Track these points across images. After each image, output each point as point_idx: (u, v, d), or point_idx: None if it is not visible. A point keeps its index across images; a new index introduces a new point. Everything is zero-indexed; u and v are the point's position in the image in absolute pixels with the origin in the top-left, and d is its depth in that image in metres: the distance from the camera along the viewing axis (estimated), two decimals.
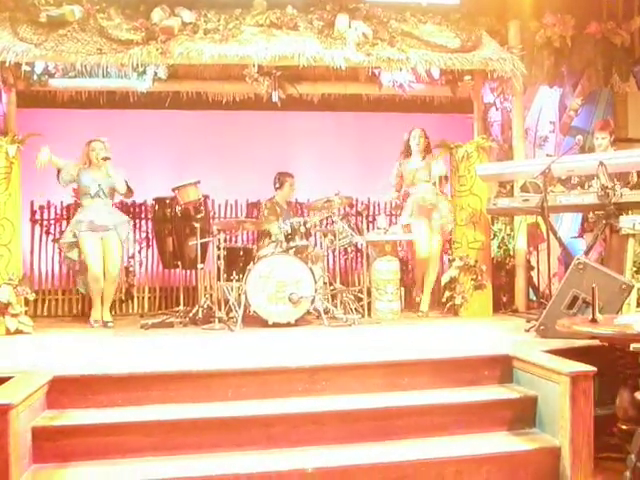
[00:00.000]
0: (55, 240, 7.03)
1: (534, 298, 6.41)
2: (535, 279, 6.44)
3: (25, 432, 3.06)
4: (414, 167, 6.08)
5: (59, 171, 5.62)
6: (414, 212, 6.04)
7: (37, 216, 7.08)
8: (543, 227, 5.90)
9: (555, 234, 5.23)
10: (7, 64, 5.24)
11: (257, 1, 5.84)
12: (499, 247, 6.41)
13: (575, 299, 4.23)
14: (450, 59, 5.80)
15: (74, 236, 5.59)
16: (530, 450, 3.33)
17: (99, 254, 5.57)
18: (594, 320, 3.29)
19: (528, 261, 6.36)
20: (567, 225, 6.57)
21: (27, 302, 5.54)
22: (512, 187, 6.21)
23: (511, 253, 6.38)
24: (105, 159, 5.48)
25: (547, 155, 6.64)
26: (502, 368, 3.84)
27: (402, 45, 5.76)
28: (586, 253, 4.88)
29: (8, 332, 5.15)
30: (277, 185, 6.54)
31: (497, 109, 6.64)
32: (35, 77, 5.78)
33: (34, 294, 5.81)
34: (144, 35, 5.49)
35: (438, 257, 6.17)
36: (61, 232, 7.09)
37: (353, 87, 6.52)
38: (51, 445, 3.17)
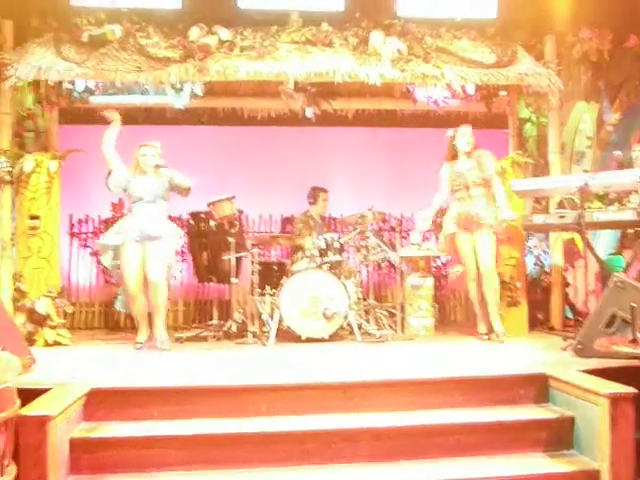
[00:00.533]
0: (92, 251, 7.18)
1: (570, 316, 6.30)
2: (571, 296, 6.33)
3: (63, 443, 3.11)
4: (464, 169, 5.42)
5: (109, 173, 5.28)
6: (461, 222, 5.39)
7: (75, 229, 7.24)
8: (580, 243, 5.82)
9: (592, 251, 5.14)
10: (50, 82, 5.39)
11: (292, 18, 5.91)
12: (535, 264, 6.33)
13: (614, 318, 4.15)
14: (485, 75, 5.77)
15: (117, 239, 5.14)
16: (568, 472, 3.26)
17: (139, 271, 5.10)
18: (634, 340, 3.23)
19: (564, 278, 6.26)
20: (604, 241, 6.46)
21: (65, 314, 5.65)
22: (548, 203, 6.14)
23: (547, 270, 6.29)
24: (157, 167, 5.20)
25: (584, 171, 6.55)
26: (538, 387, 3.78)
27: (437, 61, 5.75)
28: (625, 270, 4.79)
29: (46, 344, 5.26)
30: (311, 200, 6.59)
31: (533, 124, 6.58)
32: (76, 94, 5.94)
33: (72, 306, 5.92)
34: (182, 53, 5.59)
35: (493, 272, 5.39)
36: None
37: (387, 103, 6.54)
38: (88, 457, 3.21)
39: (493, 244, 5.36)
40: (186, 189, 5.32)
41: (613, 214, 4.96)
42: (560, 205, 5.38)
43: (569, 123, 6.67)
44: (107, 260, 5.26)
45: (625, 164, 5.84)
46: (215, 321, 6.08)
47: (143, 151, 5.27)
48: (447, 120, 6.72)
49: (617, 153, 5.07)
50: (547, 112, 6.29)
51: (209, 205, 5.82)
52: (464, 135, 5.44)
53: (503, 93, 6.24)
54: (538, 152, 6.48)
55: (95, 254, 7.20)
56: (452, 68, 5.76)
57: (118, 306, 5.51)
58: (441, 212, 5.85)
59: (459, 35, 6.06)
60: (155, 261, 5.08)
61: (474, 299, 5.54)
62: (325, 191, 6.62)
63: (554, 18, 6.29)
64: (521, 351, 4.83)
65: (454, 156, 5.53)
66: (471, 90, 6.03)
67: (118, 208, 7.11)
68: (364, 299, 6.01)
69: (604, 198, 5.53)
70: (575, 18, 6.30)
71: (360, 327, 5.54)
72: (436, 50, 5.85)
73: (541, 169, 6.36)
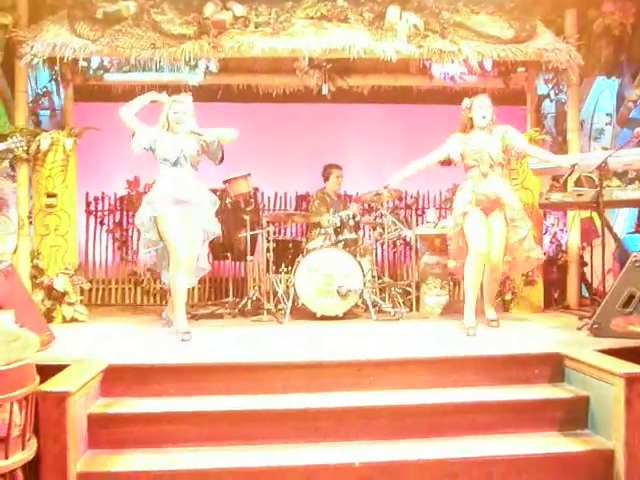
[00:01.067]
0: (108, 229, 7.23)
1: (587, 295, 6.27)
2: (588, 275, 6.29)
3: (81, 419, 3.16)
4: (483, 144, 4.84)
5: (133, 134, 4.80)
6: (478, 202, 4.84)
7: (92, 207, 7.29)
8: (598, 222, 5.76)
9: (610, 230, 5.09)
10: (65, 60, 5.38)
11: None
12: (551, 242, 6.28)
13: (631, 298, 4.12)
14: (503, 50, 5.67)
15: (151, 209, 4.61)
16: (582, 452, 3.27)
17: (183, 233, 4.55)
18: None
19: (581, 257, 6.21)
20: (623, 220, 6.39)
21: (82, 291, 5.71)
22: (566, 181, 6.06)
23: (563, 248, 6.24)
24: (192, 133, 4.69)
25: (603, 148, 6.45)
26: (553, 367, 3.77)
27: (454, 36, 5.66)
28: None
29: (64, 320, 5.34)
30: (324, 177, 6.57)
31: (551, 101, 6.49)
32: (91, 72, 5.96)
33: (89, 283, 5.99)
34: (196, 29, 5.55)
35: (500, 261, 4.86)
36: (115, 223, 7.30)
37: (403, 79, 6.47)
38: (105, 432, 3.27)
39: (505, 231, 4.85)
40: (230, 139, 4.87)
41: (633, 192, 4.90)
42: (578, 183, 5.33)
43: (588, 99, 6.57)
44: (154, 234, 4.65)
45: None
46: (230, 298, 6.12)
47: (175, 108, 4.76)
48: (464, 96, 6.61)
49: (638, 130, 4.96)
50: (566, 88, 6.19)
51: (224, 183, 5.83)
52: (481, 107, 4.89)
53: (521, 69, 6.14)
54: (556, 129, 6.41)
55: (111, 232, 7.28)
56: (469, 44, 5.67)
57: (166, 279, 4.83)
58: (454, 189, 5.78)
59: (477, 10, 5.93)
60: (195, 232, 4.65)
61: (476, 283, 4.83)
62: (338, 167, 6.59)
63: None
64: (536, 330, 4.81)
65: (469, 128, 4.97)
66: (488, 66, 5.96)
67: (134, 185, 7.15)
68: (379, 277, 6.02)
69: (623, 176, 5.44)
70: None
71: (375, 305, 5.55)
72: (453, 25, 5.75)
73: (559, 146, 6.28)
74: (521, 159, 5.41)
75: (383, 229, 5.87)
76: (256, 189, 6.57)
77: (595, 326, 4.26)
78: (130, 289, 7.22)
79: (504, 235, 4.86)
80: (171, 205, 4.57)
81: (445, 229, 6.03)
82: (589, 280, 6.27)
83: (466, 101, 5.01)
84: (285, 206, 7.51)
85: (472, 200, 4.85)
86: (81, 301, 5.58)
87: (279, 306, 5.64)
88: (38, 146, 5.46)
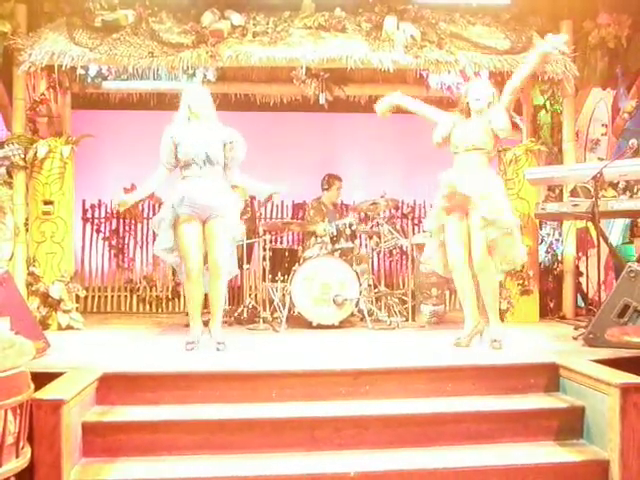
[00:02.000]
0: (104, 236, 7.21)
1: (582, 305, 6.28)
2: (584, 285, 6.31)
3: (76, 427, 3.14)
4: (467, 127, 4.37)
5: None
6: (454, 197, 4.30)
7: (88, 215, 7.29)
8: (593, 232, 5.78)
9: (606, 240, 5.11)
10: (63, 68, 5.40)
11: (305, 4, 5.87)
12: (547, 252, 6.30)
13: (626, 308, 4.13)
14: (499, 61, 5.72)
15: (173, 214, 4.19)
16: (577, 462, 3.26)
17: (199, 246, 4.21)
18: None
19: (577, 267, 6.23)
20: (618, 230, 6.41)
21: (77, 298, 5.70)
22: (561, 191, 6.10)
23: (559, 258, 6.26)
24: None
25: (598, 159, 6.49)
26: (549, 376, 3.76)
27: (451, 47, 5.72)
28: (638, 260, 4.76)
29: (60, 327, 5.34)
30: (325, 186, 6.58)
31: (547, 111, 6.52)
32: (89, 80, 5.97)
33: (84, 291, 5.98)
34: (194, 38, 5.59)
35: (484, 265, 4.25)
36: (111, 230, 7.30)
37: (400, 89, 6.42)
38: (100, 440, 3.24)
39: (482, 230, 4.19)
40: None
41: (628, 203, 4.93)
42: (573, 193, 5.35)
43: (584, 110, 6.61)
44: (166, 242, 4.27)
45: None
46: (227, 306, 6.11)
47: (191, 94, 4.44)
48: None
49: (633, 141, 5.00)
50: (562, 99, 6.23)
51: None
52: (475, 89, 4.39)
53: None
54: (552, 139, 6.44)
55: (108, 239, 7.28)
56: (466, 54, 5.72)
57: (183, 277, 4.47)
58: None
59: (473, 21, 6.00)
60: (219, 240, 4.22)
61: (462, 296, 4.47)
62: (340, 180, 6.61)
63: (571, 3, 6.21)
64: (532, 340, 4.82)
65: (467, 115, 4.46)
66: (485, 76, 5.98)
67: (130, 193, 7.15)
68: (375, 286, 6.02)
69: (615, 186, 5.47)
70: (592, 3, 6.21)
71: (371, 314, 5.55)
72: (450, 36, 5.80)
73: (555, 157, 6.31)
74: (505, 134, 4.41)
75: (379, 238, 5.88)
76: (253, 198, 6.58)
77: (590, 336, 4.27)
78: (126, 297, 7.22)
79: (481, 234, 4.19)
80: (190, 212, 4.17)
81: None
82: (585, 290, 6.28)
83: (463, 87, 4.71)
84: (282, 215, 7.53)
85: (446, 194, 4.31)
86: (77, 308, 5.58)
87: (275, 314, 5.65)
88: (35, 153, 5.46)
